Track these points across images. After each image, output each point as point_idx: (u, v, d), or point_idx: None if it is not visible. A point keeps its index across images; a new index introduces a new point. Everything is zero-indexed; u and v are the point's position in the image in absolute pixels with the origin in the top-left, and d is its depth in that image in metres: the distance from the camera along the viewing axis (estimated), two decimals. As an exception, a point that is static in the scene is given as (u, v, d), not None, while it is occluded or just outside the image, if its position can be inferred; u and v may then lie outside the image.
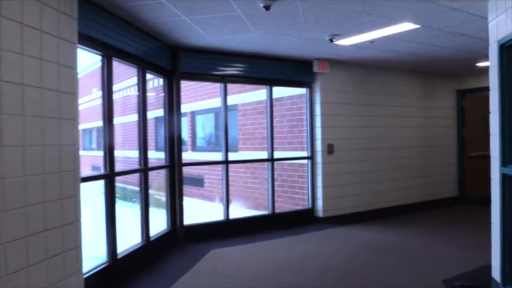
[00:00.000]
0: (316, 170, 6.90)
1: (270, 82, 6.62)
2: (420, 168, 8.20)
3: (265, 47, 5.70)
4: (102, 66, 4.02)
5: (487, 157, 9.21)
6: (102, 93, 4.01)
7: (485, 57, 7.01)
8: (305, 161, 7.03)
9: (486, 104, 9.37)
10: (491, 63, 3.63)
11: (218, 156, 6.55)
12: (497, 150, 3.46)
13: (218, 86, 6.68)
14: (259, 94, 7.99)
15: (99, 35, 3.77)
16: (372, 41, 5.46)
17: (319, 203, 6.87)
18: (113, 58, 4.13)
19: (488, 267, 3.79)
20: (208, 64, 5.88)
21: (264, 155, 6.93)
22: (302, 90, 7.05)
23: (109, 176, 3.99)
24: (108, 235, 3.99)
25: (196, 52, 5.75)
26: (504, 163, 3.34)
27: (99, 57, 4.04)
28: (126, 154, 6.30)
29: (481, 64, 7.44)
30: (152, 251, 4.87)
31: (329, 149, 6.88)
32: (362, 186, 7.28)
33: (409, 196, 7.99)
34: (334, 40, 5.18)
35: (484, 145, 9.42)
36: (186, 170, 6.27)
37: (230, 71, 6.12)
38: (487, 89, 8.43)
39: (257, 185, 8.46)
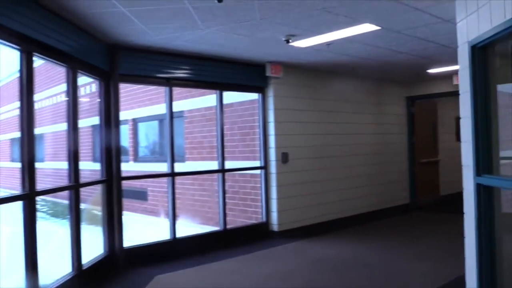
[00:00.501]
0: (270, 180, 6.46)
1: (220, 86, 6.11)
2: (375, 175, 8.00)
3: (215, 47, 5.20)
4: (21, 63, 3.33)
5: (435, 164, 9.23)
6: (19, 95, 3.31)
7: (438, 63, 6.96)
8: (258, 171, 6.57)
9: (434, 111, 9.43)
10: (461, 65, 3.38)
11: (163, 167, 5.93)
12: (470, 159, 3.18)
13: (162, 91, 6.07)
14: (207, 99, 7.46)
15: (15, 25, 3.09)
16: (328, 44, 5.12)
17: (274, 216, 6.42)
18: (35, 54, 3.45)
19: (459, 279, 3.52)
20: (151, 65, 5.27)
21: (214, 165, 6.39)
22: (254, 95, 6.60)
23: (29, 197, 3.29)
24: (27, 268, 3.27)
25: (138, 52, 5.13)
26: (478, 172, 3.07)
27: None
28: (58, 166, 5.56)
29: (432, 71, 7.37)
30: (85, 281, 4.17)
31: (284, 158, 6.47)
32: (318, 196, 6.92)
33: (365, 204, 7.75)
34: (290, 41, 4.77)
35: (433, 152, 9.61)
36: (128, 182, 5.61)
37: (176, 73, 5.54)
38: (435, 96, 8.51)
39: (206, 197, 7.89)
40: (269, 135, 6.46)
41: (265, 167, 6.49)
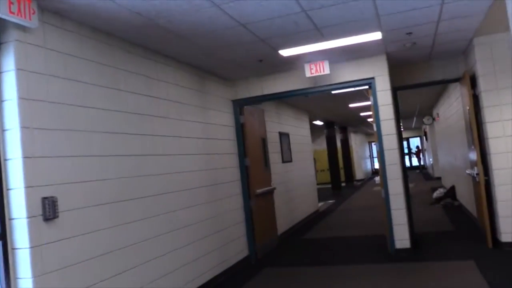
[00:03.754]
0: (17, 266, 2.71)
1: None
2: (208, 221, 4.98)
3: None
4: None
5: (270, 194, 6.56)
6: None
7: (304, 37, 4.36)
8: (-16, 248, 2.73)
9: (262, 122, 6.71)
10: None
11: None
12: None
13: None
14: None
15: None
16: None
17: None
18: None
19: None
20: None
21: None
22: (-35, 70, 2.80)
23: None
24: None
25: None
26: None
27: None
28: None
29: (285, 52, 4.90)
30: None
31: (46, 209, 2.82)
32: (131, 275, 3.48)
33: (204, 270, 4.67)
34: None
35: (267, 178, 7.14)
36: None
37: None
38: (274, 96, 5.84)
39: None
40: (7, 159, 2.76)
41: (3, 236, 2.71)
